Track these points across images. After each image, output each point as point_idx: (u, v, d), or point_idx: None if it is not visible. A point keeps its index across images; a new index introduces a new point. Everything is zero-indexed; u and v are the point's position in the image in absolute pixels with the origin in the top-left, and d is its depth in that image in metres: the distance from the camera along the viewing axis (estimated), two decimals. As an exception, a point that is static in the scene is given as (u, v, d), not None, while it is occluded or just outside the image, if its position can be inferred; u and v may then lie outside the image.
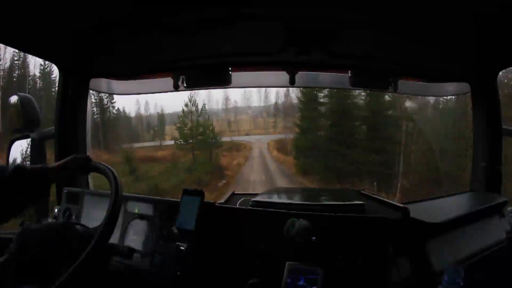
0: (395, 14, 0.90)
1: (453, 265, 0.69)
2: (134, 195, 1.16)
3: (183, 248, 0.92)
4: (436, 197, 1.42)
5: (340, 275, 0.84)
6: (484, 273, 0.92)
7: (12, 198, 0.73)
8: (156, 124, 17.83)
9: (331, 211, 0.93)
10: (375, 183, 11.30)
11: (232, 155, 16.44)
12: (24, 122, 1.27)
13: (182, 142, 15.25)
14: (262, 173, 13.90)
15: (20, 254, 0.71)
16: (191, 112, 15.36)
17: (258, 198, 1.09)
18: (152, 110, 18.02)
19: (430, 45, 1.08)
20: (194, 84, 1.35)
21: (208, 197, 1.00)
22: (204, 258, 0.94)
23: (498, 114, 1.30)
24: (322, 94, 13.48)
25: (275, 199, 1.18)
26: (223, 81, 1.32)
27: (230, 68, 1.30)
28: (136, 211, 1.10)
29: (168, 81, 1.35)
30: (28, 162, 1.30)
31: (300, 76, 1.32)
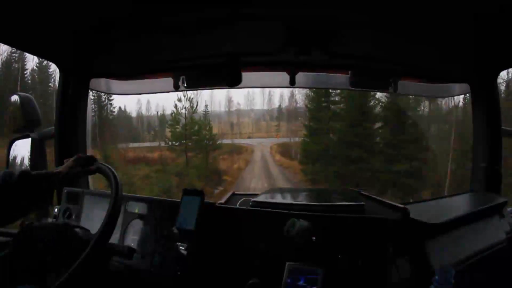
0: (395, 14, 0.90)
1: (443, 266, 0.69)
2: (134, 195, 1.16)
3: (183, 248, 0.92)
4: (436, 197, 1.42)
5: (340, 275, 0.84)
6: (484, 273, 0.92)
7: (17, 203, 0.73)
8: (157, 125, 17.21)
9: (331, 211, 0.93)
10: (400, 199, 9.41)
11: (232, 158, 15.40)
12: (24, 122, 1.27)
13: (174, 143, 13.65)
14: (264, 179, 12.87)
15: (20, 253, 0.72)
16: (184, 108, 13.64)
17: (258, 199, 1.09)
18: (154, 110, 17.54)
19: (430, 45, 1.08)
20: (194, 84, 1.35)
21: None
22: (204, 258, 0.94)
23: (498, 114, 1.31)
24: (335, 91, 11.93)
25: (275, 199, 1.18)
26: (223, 81, 1.32)
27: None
28: (136, 211, 1.10)
29: (168, 81, 1.35)
30: (28, 162, 1.30)
31: (300, 76, 1.32)
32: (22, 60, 14.40)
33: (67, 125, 1.33)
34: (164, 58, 1.25)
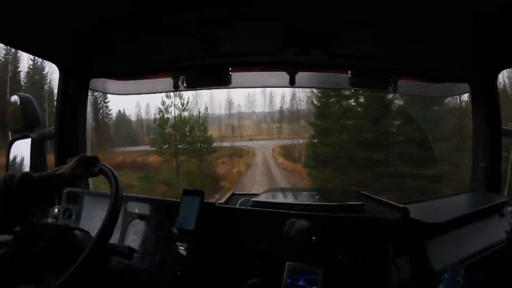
0: (395, 14, 0.90)
1: (454, 264, 0.69)
2: (134, 195, 1.16)
3: (183, 248, 0.92)
4: (436, 197, 1.42)
5: (340, 275, 0.84)
6: (484, 273, 0.92)
7: (19, 206, 0.72)
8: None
9: (331, 211, 0.93)
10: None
11: (232, 162, 14.26)
12: (24, 122, 1.27)
13: (163, 146, 11.87)
14: (266, 185, 10.96)
15: (19, 252, 0.71)
16: (174, 105, 11.76)
17: (258, 198, 1.09)
18: (153, 113, 16.30)
19: (430, 45, 1.08)
20: (194, 84, 1.35)
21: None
22: (204, 258, 0.94)
23: (498, 114, 1.31)
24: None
25: (275, 199, 1.18)
26: (223, 81, 1.32)
27: (230, 68, 1.30)
28: (136, 211, 1.10)
29: (168, 81, 1.35)
30: (28, 162, 1.30)
31: (300, 76, 1.32)
32: (16, 62, 14.29)
33: (67, 125, 1.33)
34: (164, 58, 1.25)
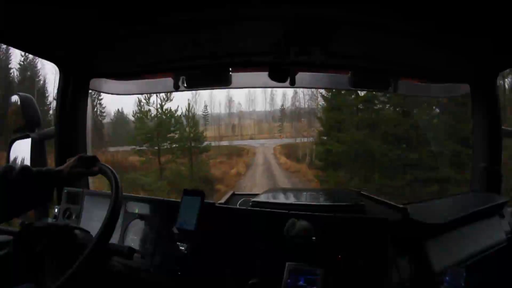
0: (395, 14, 0.90)
1: (454, 267, 0.69)
2: (134, 195, 1.16)
3: (183, 248, 0.92)
4: (436, 197, 1.43)
5: (340, 275, 0.84)
6: (484, 274, 0.92)
7: (17, 199, 0.72)
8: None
9: (331, 211, 0.93)
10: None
11: (230, 162, 13.17)
12: (24, 122, 1.27)
13: (143, 145, 10.17)
14: (267, 188, 8.56)
15: (20, 252, 0.71)
16: (156, 94, 9.91)
17: (258, 199, 1.09)
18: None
19: (430, 46, 1.08)
20: (194, 84, 1.35)
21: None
22: (204, 258, 0.94)
23: (498, 115, 1.31)
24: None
25: (275, 199, 1.18)
26: (223, 81, 1.32)
27: (230, 68, 1.30)
28: (136, 211, 1.10)
29: (168, 81, 1.35)
30: (28, 162, 1.30)
31: (300, 76, 1.32)
32: (7, 58, 14.06)
33: (67, 125, 1.33)
34: (164, 58, 1.25)
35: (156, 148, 10.44)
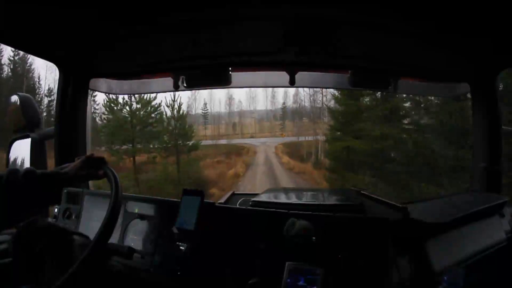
0: (395, 14, 0.90)
1: (453, 266, 0.69)
2: (134, 195, 1.16)
3: (183, 248, 0.92)
4: (436, 197, 1.43)
5: (340, 275, 0.84)
6: (484, 273, 0.92)
7: (23, 203, 0.71)
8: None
9: (331, 211, 0.93)
10: None
11: (229, 162, 12.09)
12: (24, 122, 1.27)
13: (113, 139, 8.26)
14: None
15: (19, 252, 0.71)
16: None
17: (258, 198, 1.09)
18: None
19: (430, 46, 1.08)
20: (194, 84, 1.35)
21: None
22: (204, 258, 0.94)
23: (498, 114, 1.31)
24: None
25: (275, 199, 1.18)
26: (223, 81, 1.32)
27: (230, 68, 1.30)
28: (136, 211, 1.10)
29: (168, 81, 1.35)
30: (28, 162, 1.30)
31: (300, 76, 1.32)
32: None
33: (67, 125, 1.33)
34: (164, 58, 1.25)
35: (130, 146, 8.24)
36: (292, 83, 1.30)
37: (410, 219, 0.92)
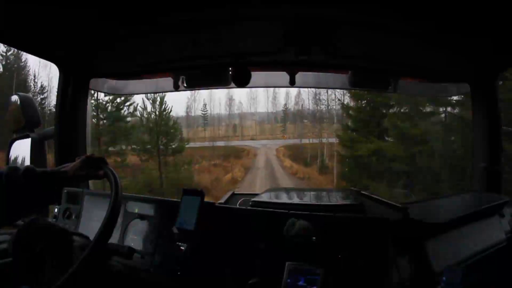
0: (395, 14, 0.90)
1: (451, 266, 0.69)
2: (134, 195, 1.16)
3: (183, 248, 0.92)
4: (436, 197, 1.43)
5: (340, 275, 0.84)
6: (484, 273, 0.92)
7: (22, 200, 0.71)
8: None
9: (331, 211, 0.93)
10: None
11: (226, 165, 11.29)
12: (24, 122, 1.27)
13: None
14: None
15: (20, 252, 0.71)
16: None
17: (258, 198, 1.09)
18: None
19: (430, 45, 1.08)
20: (194, 84, 1.36)
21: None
22: (204, 258, 0.94)
23: (498, 114, 1.31)
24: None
25: (275, 199, 1.18)
26: (223, 81, 1.32)
27: (230, 68, 1.30)
28: (136, 211, 1.10)
29: (168, 81, 1.35)
30: (28, 162, 1.30)
31: (300, 76, 1.32)
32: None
33: (67, 125, 1.33)
34: (164, 58, 1.25)
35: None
36: (292, 83, 1.31)
37: (410, 219, 0.92)
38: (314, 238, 0.86)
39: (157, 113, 7.99)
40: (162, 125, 7.96)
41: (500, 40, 1.00)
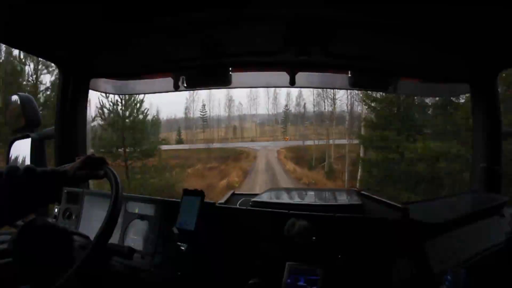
0: (395, 14, 0.90)
1: (455, 267, 0.69)
2: (134, 195, 1.16)
3: (183, 248, 0.92)
4: (436, 197, 1.43)
5: (340, 275, 0.84)
6: (484, 274, 0.92)
7: (23, 199, 0.71)
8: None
9: (331, 211, 0.93)
10: None
11: (224, 169, 10.48)
12: (24, 122, 1.27)
13: None
14: None
15: (19, 252, 0.71)
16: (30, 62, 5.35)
17: (258, 198, 1.09)
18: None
19: (430, 45, 1.08)
20: (194, 84, 1.36)
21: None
22: (204, 258, 0.94)
23: (498, 115, 1.31)
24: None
25: (275, 199, 1.18)
26: (223, 81, 1.32)
27: (230, 68, 1.30)
28: (136, 211, 1.10)
29: (168, 81, 1.35)
30: (28, 162, 1.30)
31: (300, 76, 1.32)
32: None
33: (67, 125, 1.33)
34: (164, 58, 1.25)
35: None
36: (292, 83, 1.31)
37: (410, 219, 0.92)
38: (314, 238, 0.86)
39: (123, 103, 6.64)
40: (130, 121, 6.57)
41: (500, 40, 1.00)
